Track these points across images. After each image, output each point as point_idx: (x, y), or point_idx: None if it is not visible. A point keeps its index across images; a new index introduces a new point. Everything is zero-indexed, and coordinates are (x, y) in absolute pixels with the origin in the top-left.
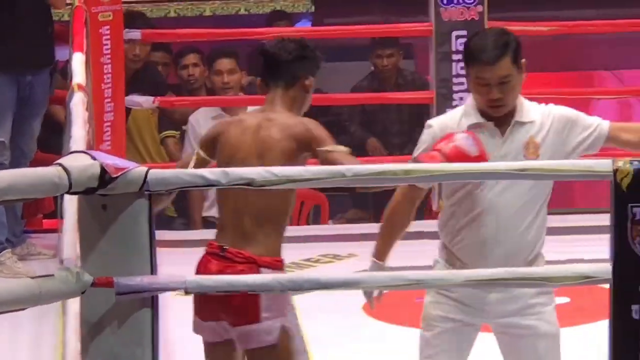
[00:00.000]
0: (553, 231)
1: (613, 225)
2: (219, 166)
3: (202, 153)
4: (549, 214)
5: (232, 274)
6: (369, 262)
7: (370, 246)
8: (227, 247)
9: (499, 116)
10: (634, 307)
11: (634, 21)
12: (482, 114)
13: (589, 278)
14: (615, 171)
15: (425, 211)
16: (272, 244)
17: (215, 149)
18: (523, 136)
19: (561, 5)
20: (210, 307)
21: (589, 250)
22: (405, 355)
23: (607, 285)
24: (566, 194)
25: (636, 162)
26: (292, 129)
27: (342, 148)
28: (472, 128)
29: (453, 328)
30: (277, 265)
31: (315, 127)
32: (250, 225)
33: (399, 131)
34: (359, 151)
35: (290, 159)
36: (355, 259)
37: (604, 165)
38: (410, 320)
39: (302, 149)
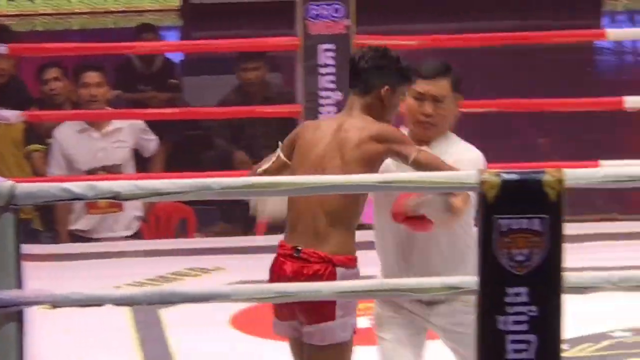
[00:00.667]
0: None
1: (480, 237)
2: (292, 168)
3: (282, 155)
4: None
5: (308, 274)
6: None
7: (237, 259)
8: (301, 248)
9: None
10: (500, 318)
11: (506, 34)
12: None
13: (456, 289)
14: (482, 183)
15: None
16: (346, 242)
17: (293, 151)
18: None
19: (431, 18)
20: (288, 307)
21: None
22: None
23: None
24: None
25: (503, 174)
26: (370, 130)
27: (427, 149)
28: None
29: (403, 322)
30: (352, 263)
31: (393, 130)
32: (323, 225)
33: (266, 144)
34: (226, 165)
35: (371, 159)
36: (222, 272)
37: (471, 176)
38: (276, 335)
39: (382, 152)
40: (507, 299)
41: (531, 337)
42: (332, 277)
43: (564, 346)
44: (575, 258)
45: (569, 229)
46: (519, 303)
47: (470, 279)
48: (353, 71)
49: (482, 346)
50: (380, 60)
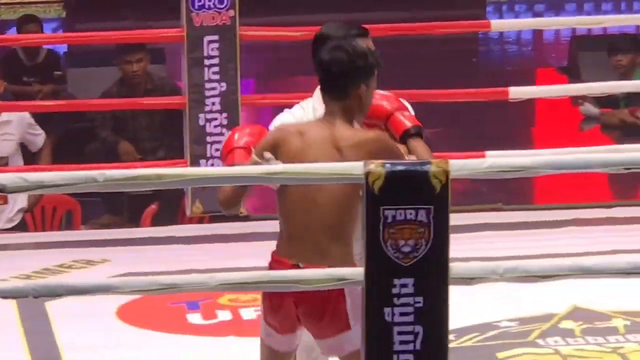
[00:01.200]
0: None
1: (365, 228)
2: None
3: (257, 159)
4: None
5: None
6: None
7: (123, 251)
8: (302, 265)
9: None
10: (386, 310)
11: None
12: None
13: (343, 280)
14: (367, 174)
15: (178, 215)
16: (347, 255)
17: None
18: None
19: (317, 9)
20: (290, 321)
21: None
22: (156, 358)
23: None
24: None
25: (388, 165)
26: (367, 148)
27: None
28: None
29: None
30: None
31: (388, 143)
32: (325, 240)
33: (151, 136)
34: (111, 156)
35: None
36: (108, 264)
37: (357, 168)
38: (164, 326)
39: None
40: (394, 291)
41: (417, 328)
42: (340, 293)
43: (450, 336)
44: (462, 248)
45: (455, 219)
46: (405, 294)
47: (356, 270)
48: (326, 77)
49: (369, 338)
50: (354, 62)
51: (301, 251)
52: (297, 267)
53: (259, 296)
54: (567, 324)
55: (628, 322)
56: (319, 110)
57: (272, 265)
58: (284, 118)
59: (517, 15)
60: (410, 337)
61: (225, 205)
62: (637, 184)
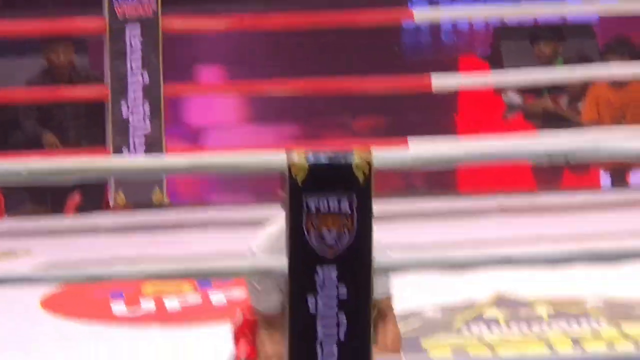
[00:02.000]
0: None
1: (289, 219)
2: None
3: None
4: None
5: None
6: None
7: (46, 241)
8: None
9: None
10: (310, 299)
11: (313, 14)
12: None
13: (266, 272)
14: (290, 166)
15: (101, 205)
16: None
17: None
18: None
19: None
20: None
21: None
22: (84, 350)
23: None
24: None
25: (311, 157)
26: None
27: None
28: None
29: None
30: None
31: None
32: None
33: (75, 126)
34: (35, 147)
35: None
36: (31, 254)
37: (279, 160)
38: (89, 316)
39: None
40: (318, 281)
41: (341, 318)
42: None
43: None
44: (385, 237)
45: (379, 208)
46: (329, 284)
47: (280, 261)
48: None
49: (293, 328)
50: None
51: None
52: None
53: (182, 285)
54: (491, 312)
55: (551, 310)
56: None
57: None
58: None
59: (439, 4)
60: (334, 328)
61: None
62: (560, 172)
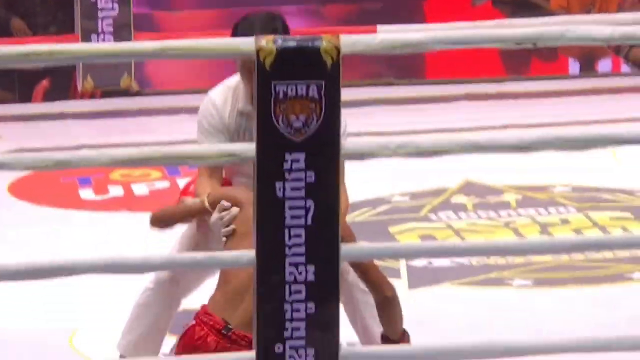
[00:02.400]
0: None
1: (257, 104)
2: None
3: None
4: None
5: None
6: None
7: (14, 127)
8: (232, 328)
9: None
10: (278, 184)
11: None
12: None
13: (234, 155)
14: (258, 50)
15: (70, 91)
16: None
17: None
18: None
19: None
20: None
21: None
22: (52, 234)
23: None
24: None
25: (280, 41)
26: None
27: None
28: (241, 114)
29: None
30: None
31: None
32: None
33: (43, 11)
34: (3, 32)
35: None
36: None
37: (247, 43)
38: (57, 201)
39: None
40: (285, 166)
41: (309, 203)
42: None
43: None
44: (353, 124)
45: (347, 94)
46: (296, 169)
47: (248, 145)
48: None
49: (260, 213)
50: None
51: (233, 314)
52: (226, 327)
53: (150, 171)
54: (459, 199)
55: (519, 197)
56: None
57: (201, 317)
58: (205, 110)
59: None
60: (301, 212)
61: (157, 221)
62: (528, 59)
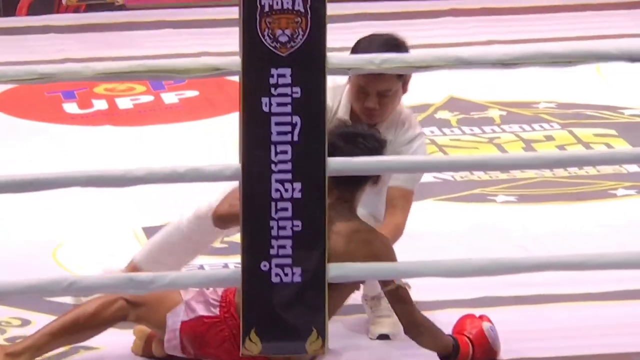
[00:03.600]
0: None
1: (242, 18)
2: None
3: None
4: None
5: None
6: None
7: None
8: None
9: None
10: (264, 100)
11: None
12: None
13: (219, 70)
14: None
15: (54, 4)
16: None
17: None
18: None
19: None
20: None
21: (219, 43)
22: (36, 147)
23: (236, 78)
24: None
25: None
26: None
27: None
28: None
29: None
30: None
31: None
32: None
33: None
34: None
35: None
36: None
37: None
38: (41, 115)
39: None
40: (271, 81)
41: (295, 119)
42: None
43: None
44: (339, 39)
45: (332, 9)
46: (282, 84)
47: (234, 60)
48: None
49: (247, 129)
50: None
51: None
52: None
53: (135, 85)
54: (443, 114)
55: (504, 113)
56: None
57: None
58: None
59: None
60: (287, 128)
61: (220, 221)
62: None
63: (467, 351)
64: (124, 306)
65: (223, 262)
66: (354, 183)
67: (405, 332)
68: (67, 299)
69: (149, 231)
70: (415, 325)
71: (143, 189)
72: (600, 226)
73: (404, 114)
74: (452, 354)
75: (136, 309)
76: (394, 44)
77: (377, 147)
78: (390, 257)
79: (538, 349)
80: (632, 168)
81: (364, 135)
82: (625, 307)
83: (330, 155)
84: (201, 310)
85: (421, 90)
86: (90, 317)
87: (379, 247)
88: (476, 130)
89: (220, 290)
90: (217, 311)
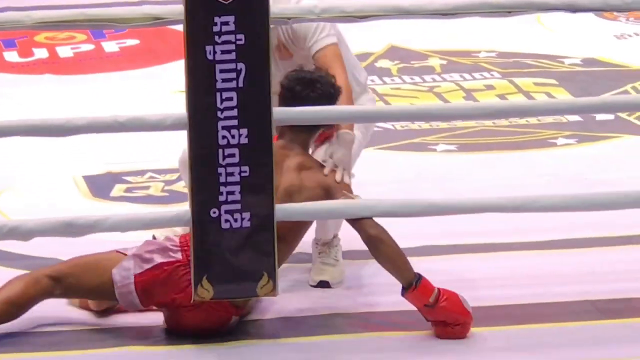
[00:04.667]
0: None
1: None
2: None
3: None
4: None
5: None
6: None
7: None
8: None
9: None
10: (208, 48)
11: None
12: None
13: (161, 19)
14: None
15: None
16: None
17: None
18: None
19: None
20: None
21: None
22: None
23: (179, 27)
24: None
25: None
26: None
27: None
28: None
29: None
30: None
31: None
32: None
33: None
34: None
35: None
36: None
37: None
38: None
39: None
40: (215, 29)
41: (240, 65)
42: None
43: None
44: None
45: None
46: (226, 32)
47: (176, 8)
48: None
49: (192, 78)
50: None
51: None
52: None
53: (75, 34)
54: (383, 63)
55: (444, 62)
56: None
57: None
58: None
59: None
60: (232, 75)
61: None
62: None
63: (431, 288)
64: (48, 284)
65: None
66: (307, 129)
67: (366, 245)
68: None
69: (90, 179)
70: (378, 240)
71: (84, 138)
72: (540, 175)
73: None
74: (414, 283)
75: (61, 282)
76: None
77: (332, 92)
78: (342, 188)
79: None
80: (572, 117)
81: (320, 82)
82: (561, 257)
83: (287, 99)
84: (159, 259)
85: (361, 39)
86: (17, 297)
87: (330, 179)
88: (417, 79)
89: (176, 238)
90: (178, 255)
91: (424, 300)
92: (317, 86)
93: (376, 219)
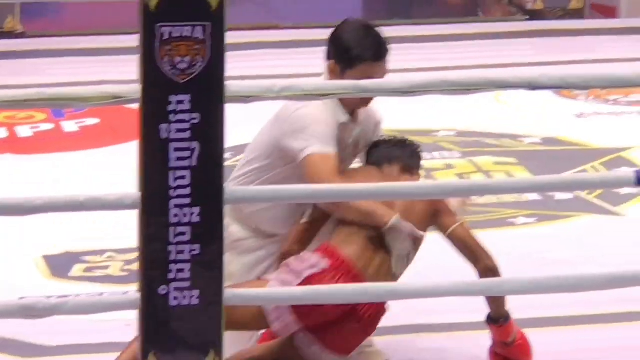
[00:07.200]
0: None
1: (142, 46)
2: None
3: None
4: None
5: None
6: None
7: None
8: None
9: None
10: (162, 127)
11: None
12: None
13: (118, 98)
14: None
15: None
16: None
17: None
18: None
19: None
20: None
21: (119, 71)
22: None
23: (136, 106)
24: None
25: None
26: None
27: None
28: (342, 126)
29: None
30: None
31: None
32: None
33: None
34: None
35: None
36: None
37: None
38: None
39: None
40: (170, 107)
41: (194, 145)
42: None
43: (227, 154)
44: (238, 67)
45: (232, 37)
46: (181, 111)
47: (133, 87)
48: None
49: (145, 156)
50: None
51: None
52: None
53: (35, 114)
54: None
55: None
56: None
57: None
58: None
59: None
60: (186, 154)
61: None
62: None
63: (514, 329)
64: None
65: (124, 290)
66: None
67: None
68: None
69: (49, 259)
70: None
71: (44, 217)
72: (498, 255)
73: None
74: (502, 319)
75: None
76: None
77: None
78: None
79: None
80: (532, 196)
81: (408, 142)
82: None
83: (388, 162)
84: (306, 273)
85: None
86: None
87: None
88: None
89: (311, 255)
90: (324, 264)
91: (504, 337)
92: (413, 146)
93: None
